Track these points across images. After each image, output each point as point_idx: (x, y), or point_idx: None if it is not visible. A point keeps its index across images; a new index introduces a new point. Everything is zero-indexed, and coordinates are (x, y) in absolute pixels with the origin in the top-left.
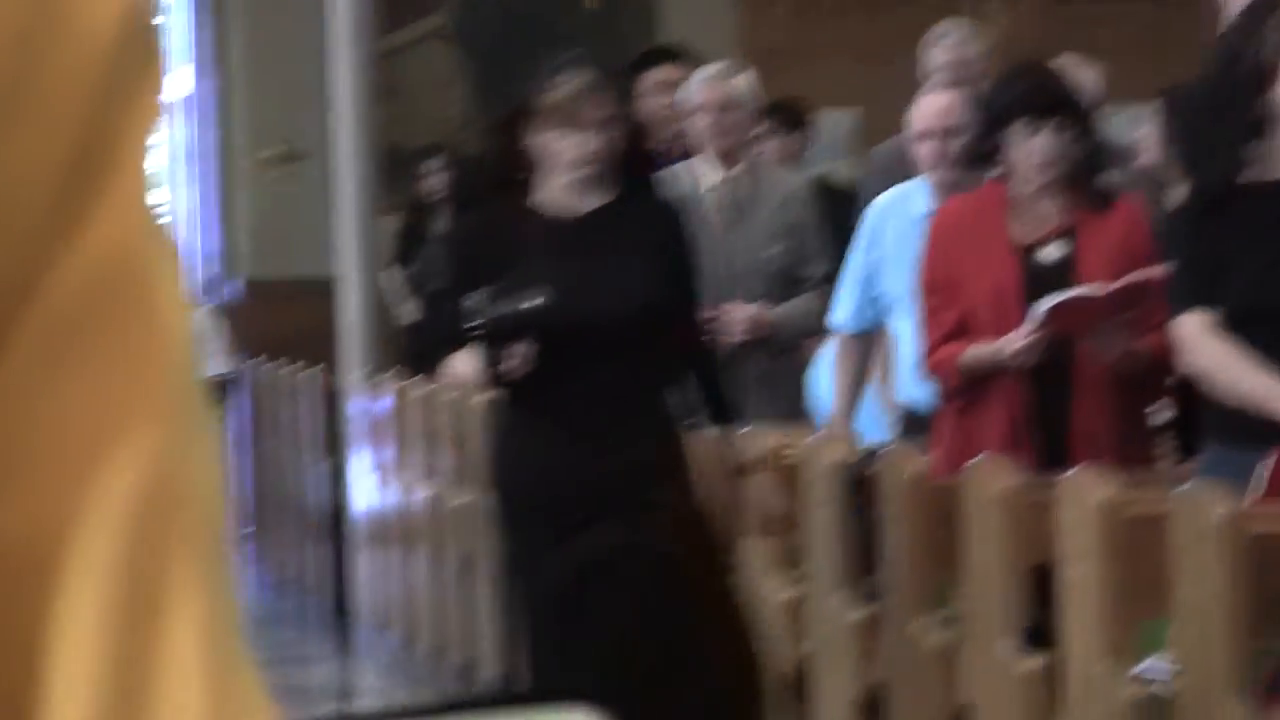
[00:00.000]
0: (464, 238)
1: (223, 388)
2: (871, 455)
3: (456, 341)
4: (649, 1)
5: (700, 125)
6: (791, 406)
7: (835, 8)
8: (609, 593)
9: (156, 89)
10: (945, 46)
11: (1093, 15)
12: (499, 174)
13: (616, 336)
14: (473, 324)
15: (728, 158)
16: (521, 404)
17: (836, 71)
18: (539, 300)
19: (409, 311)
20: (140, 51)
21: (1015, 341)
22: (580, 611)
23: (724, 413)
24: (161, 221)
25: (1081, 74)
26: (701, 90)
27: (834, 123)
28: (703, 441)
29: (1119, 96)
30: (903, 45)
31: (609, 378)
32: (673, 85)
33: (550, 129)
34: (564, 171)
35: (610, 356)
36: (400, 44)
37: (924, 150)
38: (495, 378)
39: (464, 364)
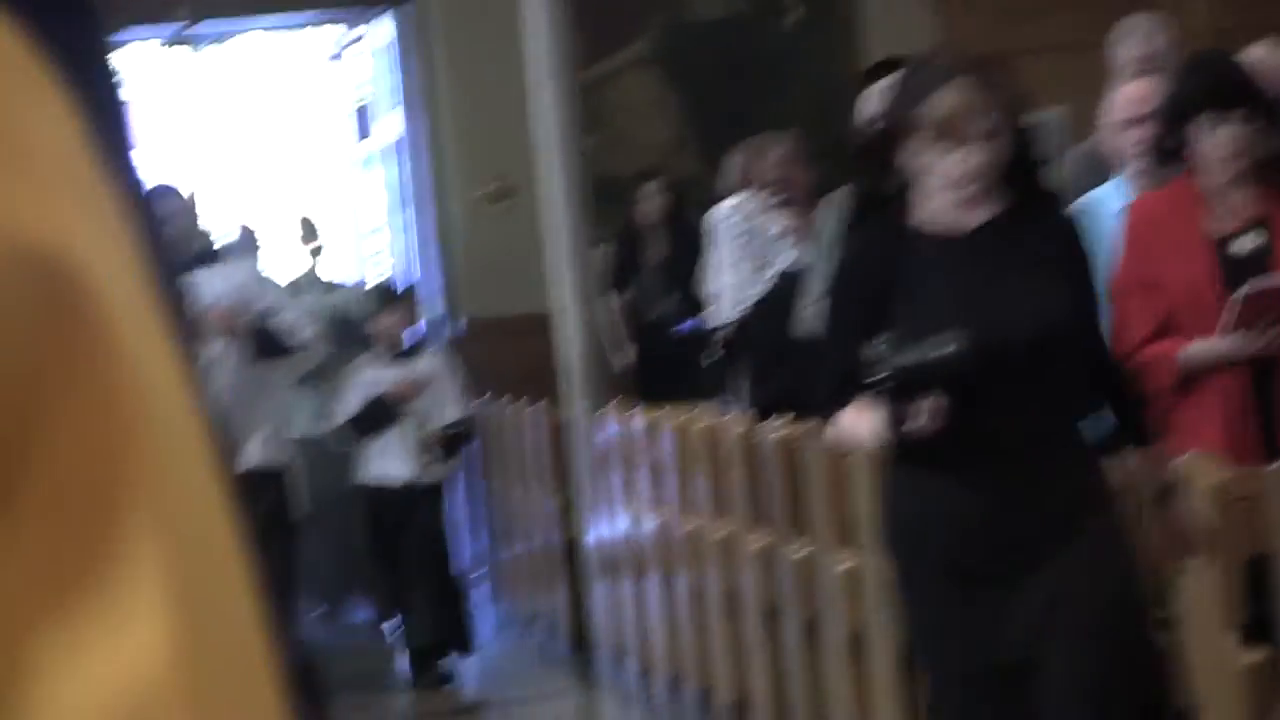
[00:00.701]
0: (848, 268)
1: (458, 434)
2: None
3: (849, 393)
4: (850, 13)
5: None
6: None
7: (1034, 8)
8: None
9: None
10: (1134, 41)
11: None
12: (876, 196)
13: (1032, 366)
14: (875, 376)
15: None
16: (922, 455)
17: (1040, 72)
18: (952, 347)
19: (623, 343)
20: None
21: (1229, 337)
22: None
23: (1145, 434)
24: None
25: (1274, 59)
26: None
27: (1041, 123)
28: (1125, 469)
29: None
30: (1104, 41)
31: (1024, 413)
32: None
33: (931, 145)
34: (948, 189)
35: (1025, 389)
36: (605, 74)
37: (1125, 139)
38: (901, 436)
39: (859, 419)
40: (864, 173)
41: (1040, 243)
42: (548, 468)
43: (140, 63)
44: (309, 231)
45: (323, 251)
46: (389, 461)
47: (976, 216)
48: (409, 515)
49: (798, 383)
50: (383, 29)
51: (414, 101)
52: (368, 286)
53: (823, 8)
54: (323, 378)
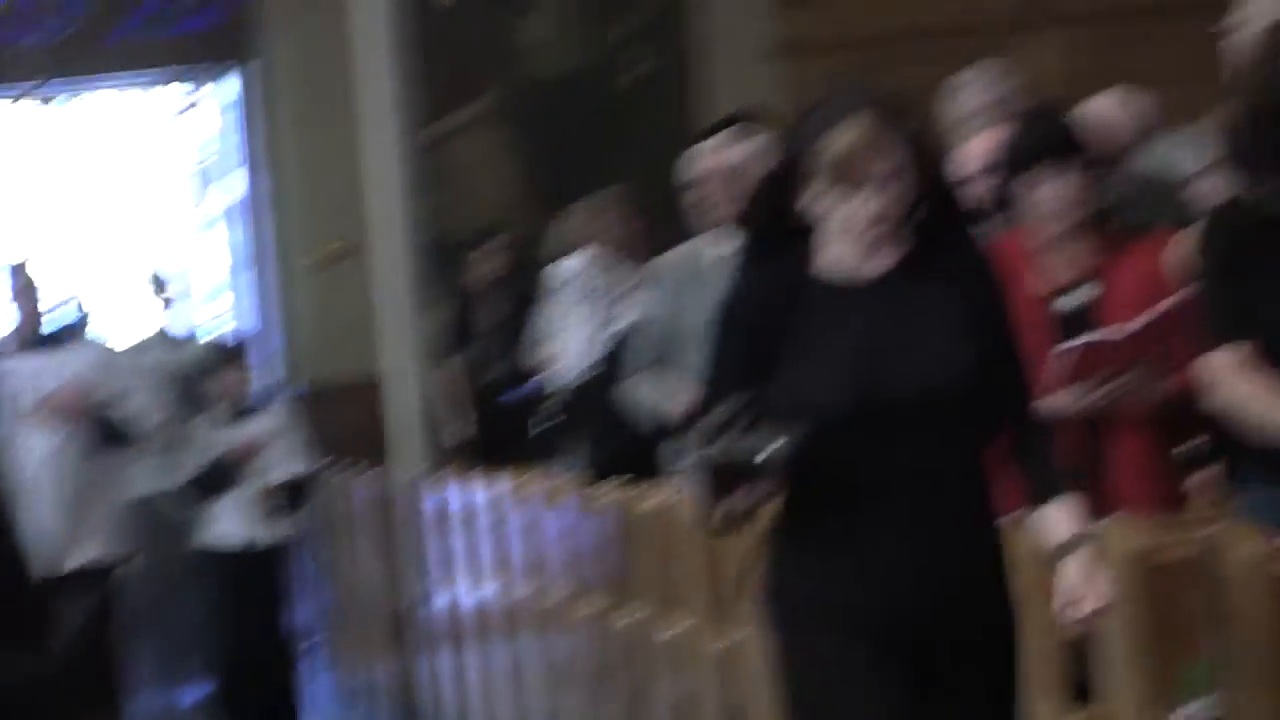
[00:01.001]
0: (733, 315)
1: (300, 488)
2: None
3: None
4: (693, 70)
5: (700, 197)
6: None
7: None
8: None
9: None
10: (975, 90)
11: (1154, 37)
12: (769, 242)
13: (926, 419)
14: (690, 462)
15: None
16: (811, 512)
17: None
18: (775, 446)
19: (463, 410)
20: None
21: (1059, 393)
22: None
23: (1046, 491)
24: None
25: (1123, 107)
26: (699, 163)
27: None
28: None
29: (1180, 121)
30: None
31: (921, 466)
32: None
33: (828, 188)
34: (847, 235)
35: (919, 440)
36: (446, 131)
37: (981, 190)
38: (718, 516)
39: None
40: (758, 216)
41: (946, 290)
42: (378, 534)
43: None
44: (158, 285)
45: (173, 305)
46: (228, 522)
47: (878, 264)
48: (249, 577)
49: (635, 445)
50: (227, 88)
51: (257, 161)
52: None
53: (665, 65)
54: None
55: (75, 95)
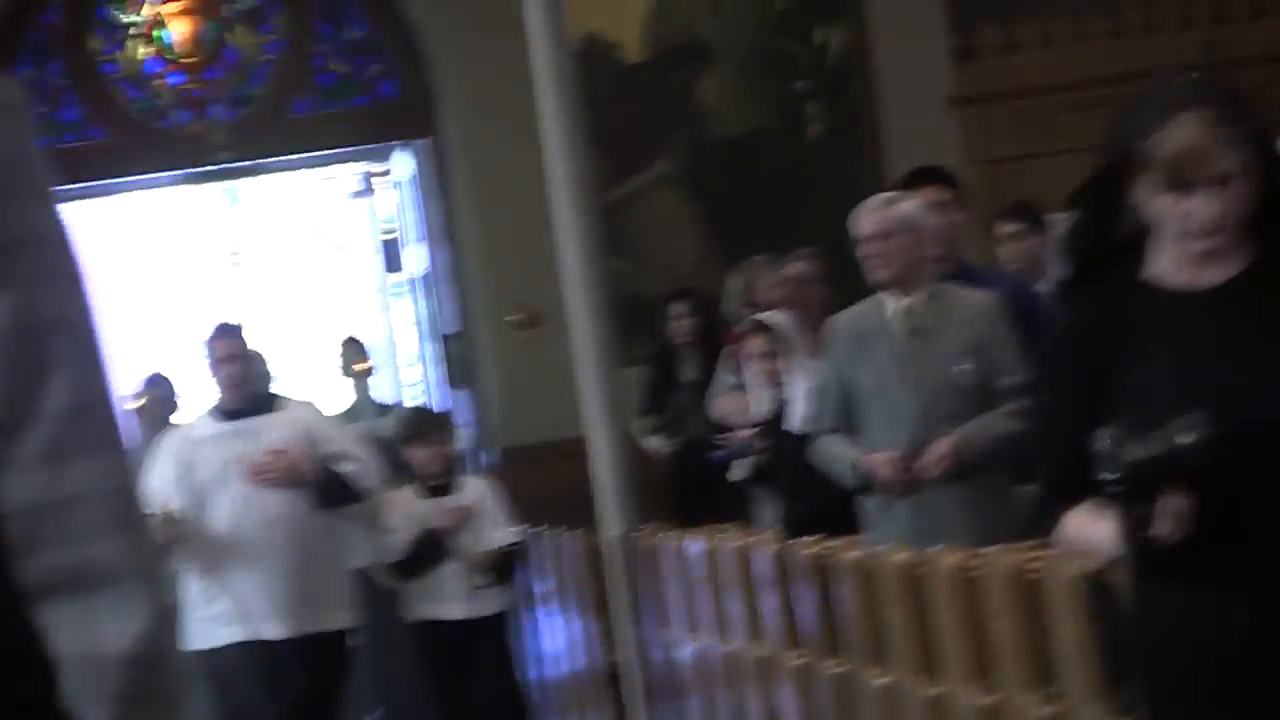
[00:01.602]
0: (1069, 336)
1: (511, 557)
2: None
3: (1074, 490)
4: (872, 124)
5: (868, 254)
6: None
7: (1049, 111)
8: None
9: None
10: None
11: None
12: (1101, 247)
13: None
14: (1105, 476)
15: (900, 285)
16: (1168, 564)
17: (1065, 172)
18: (1195, 435)
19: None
20: None
21: None
22: None
23: None
24: None
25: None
26: (860, 222)
27: (1067, 223)
28: None
29: None
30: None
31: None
32: (943, 205)
33: (1161, 189)
34: (1182, 241)
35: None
36: (629, 194)
37: None
38: (1141, 545)
39: (1091, 524)
40: (1087, 219)
41: None
42: (589, 592)
43: (162, 206)
44: (357, 352)
45: (373, 373)
46: (441, 598)
47: (1219, 273)
48: (471, 652)
49: (831, 501)
50: (404, 164)
51: (437, 234)
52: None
53: (845, 119)
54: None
55: (255, 173)
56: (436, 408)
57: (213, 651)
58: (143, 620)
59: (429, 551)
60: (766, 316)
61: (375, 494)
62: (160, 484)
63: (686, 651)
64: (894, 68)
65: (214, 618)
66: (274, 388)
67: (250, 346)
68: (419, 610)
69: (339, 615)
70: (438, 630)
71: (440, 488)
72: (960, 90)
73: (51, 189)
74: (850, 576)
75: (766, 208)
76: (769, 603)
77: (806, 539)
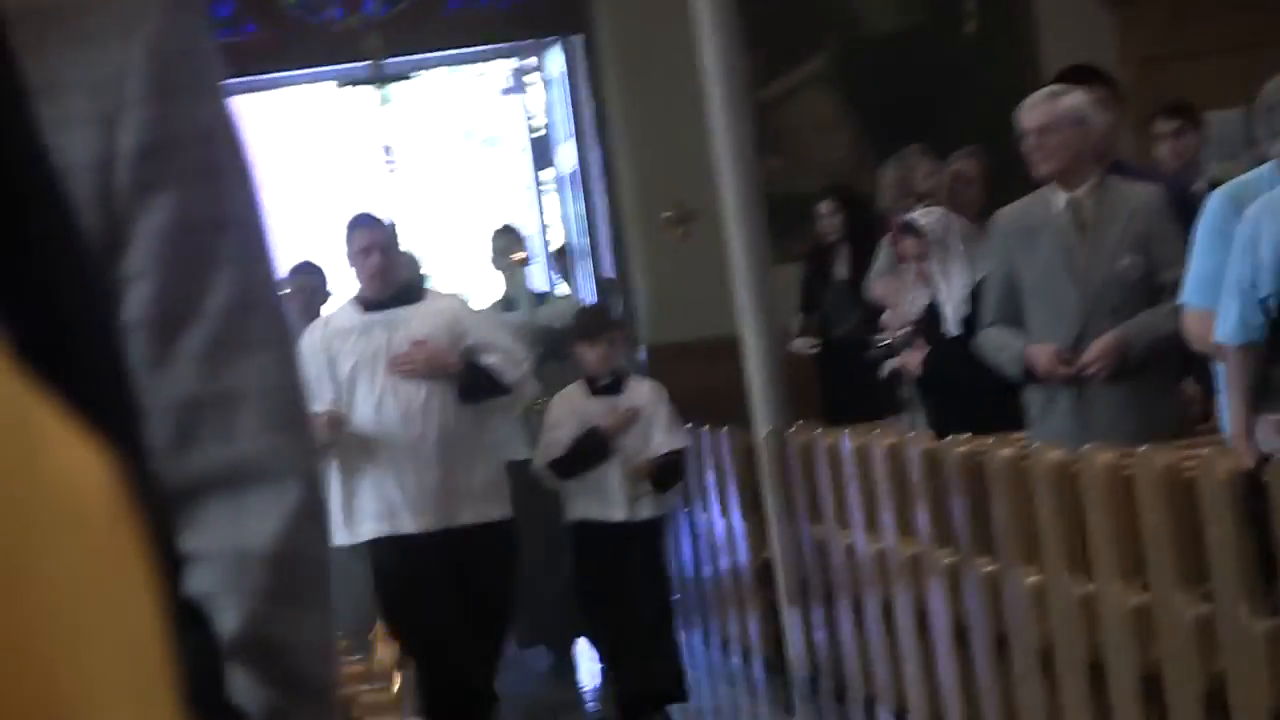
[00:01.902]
0: None
1: (675, 464)
2: (1267, 462)
3: None
4: (1026, 21)
5: (1029, 150)
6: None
7: (1208, 10)
8: None
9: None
10: None
11: None
12: None
13: None
14: None
15: (1065, 179)
16: None
17: (1216, 73)
18: None
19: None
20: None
21: None
22: None
23: None
24: None
25: None
26: (1024, 116)
27: (1222, 123)
28: None
29: None
30: (1278, 41)
31: None
32: (1098, 103)
33: None
34: None
35: None
36: (781, 92)
37: None
38: None
39: None
40: None
41: None
42: (744, 488)
43: (315, 103)
44: (513, 242)
45: (529, 263)
46: (603, 500)
47: None
48: (626, 555)
49: (980, 399)
50: (555, 61)
51: (588, 131)
52: (578, 303)
53: (998, 17)
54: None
55: (407, 71)
56: (611, 304)
57: (358, 547)
58: (291, 518)
59: (591, 452)
60: (917, 216)
61: (521, 386)
62: (308, 377)
63: (838, 549)
64: None
65: (360, 511)
66: (421, 279)
67: (392, 237)
68: (578, 510)
69: (487, 508)
70: (595, 531)
71: (607, 387)
72: None
73: (220, 84)
74: (1003, 475)
75: (920, 106)
76: (920, 501)
77: (959, 437)
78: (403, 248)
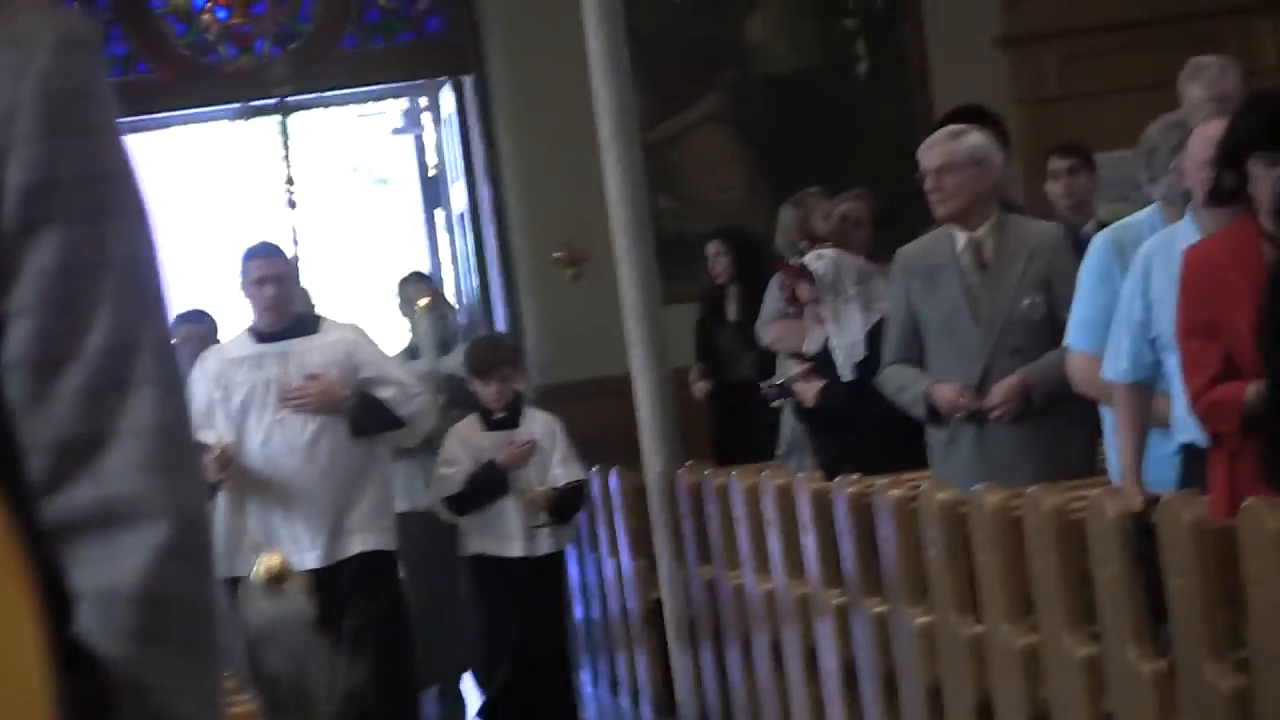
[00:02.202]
0: None
1: (574, 495)
2: (1156, 503)
3: None
4: (918, 62)
5: (929, 190)
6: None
7: (1101, 51)
8: None
9: None
10: (1203, 81)
11: None
12: None
13: None
14: None
15: (964, 219)
16: None
17: (1110, 114)
18: None
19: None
20: None
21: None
22: None
23: None
24: None
25: None
26: (924, 156)
27: (1113, 165)
28: None
29: None
30: (1171, 80)
31: None
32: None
33: None
34: None
35: None
36: (673, 132)
37: (1199, 179)
38: None
39: None
40: None
41: None
42: (634, 528)
43: (208, 142)
44: (422, 289)
45: (439, 306)
46: (500, 535)
47: None
48: (524, 590)
49: (868, 440)
50: (446, 100)
51: (478, 171)
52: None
53: (891, 58)
54: (423, 444)
55: (300, 109)
56: (511, 339)
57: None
58: (160, 558)
59: (488, 486)
60: (810, 259)
61: (416, 419)
62: (198, 408)
63: (726, 589)
64: (942, 6)
65: (246, 547)
66: (314, 312)
67: (289, 268)
68: (474, 545)
69: (371, 538)
70: (493, 566)
71: (503, 420)
72: (1009, 30)
73: (113, 124)
74: (892, 515)
75: (813, 146)
76: (809, 541)
77: (849, 477)
78: (300, 281)
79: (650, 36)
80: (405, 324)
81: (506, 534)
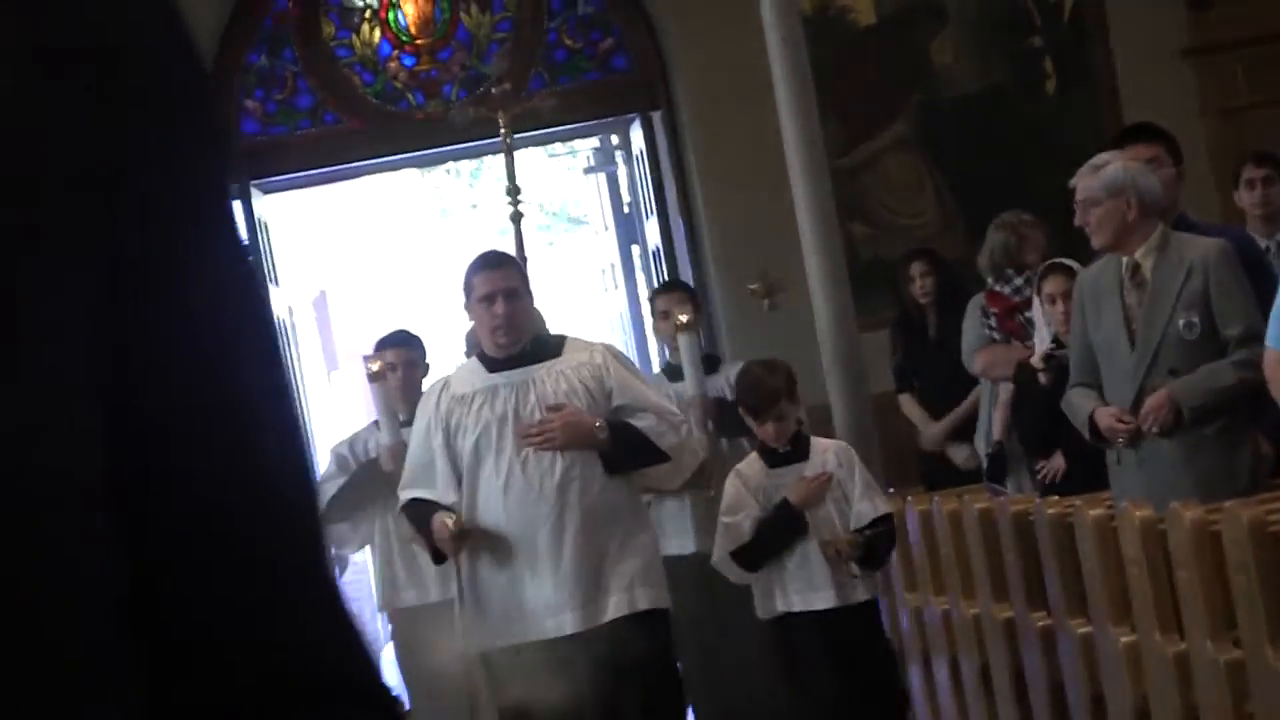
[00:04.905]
0: None
1: (883, 532)
2: None
3: None
4: (1106, 77)
5: (1082, 223)
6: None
7: None
8: None
9: None
10: None
11: None
12: None
13: None
14: None
15: (1119, 246)
16: None
17: None
18: None
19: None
20: None
21: None
22: None
23: None
24: None
25: None
26: (1076, 190)
27: None
28: None
29: None
30: None
31: None
32: (1154, 160)
33: None
34: None
35: None
36: (863, 158)
37: None
38: None
39: None
40: None
41: None
42: None
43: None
44: (680, 296)
45: (695, 327)
46: (806, 585)
47: None
48: (845, 648)
49: (1072, 461)
50: (636, 137)
51: (673, 206)
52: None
53: (1078, 74)
54: (700, 482)
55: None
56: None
57: (486, 655)
58: None
59: (781, 532)
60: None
61: (683, 452)
62: (416, 458)
63: (935, 614)
64: (1127, 20)
65: (490, 615)
66: (553, 333)
67: (523, 280)
68: (776, 604)
69: (636, 597)
70: (802, 624)
71: (788, 455)
72: (1194, 40)
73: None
74: (1092, 535)
75: (1004, 166)
76: (1012, 563)
77: (1051, 499)
78: (535, 297)
79: (835, 63)
80: (662, 341)
81: (812, 584)
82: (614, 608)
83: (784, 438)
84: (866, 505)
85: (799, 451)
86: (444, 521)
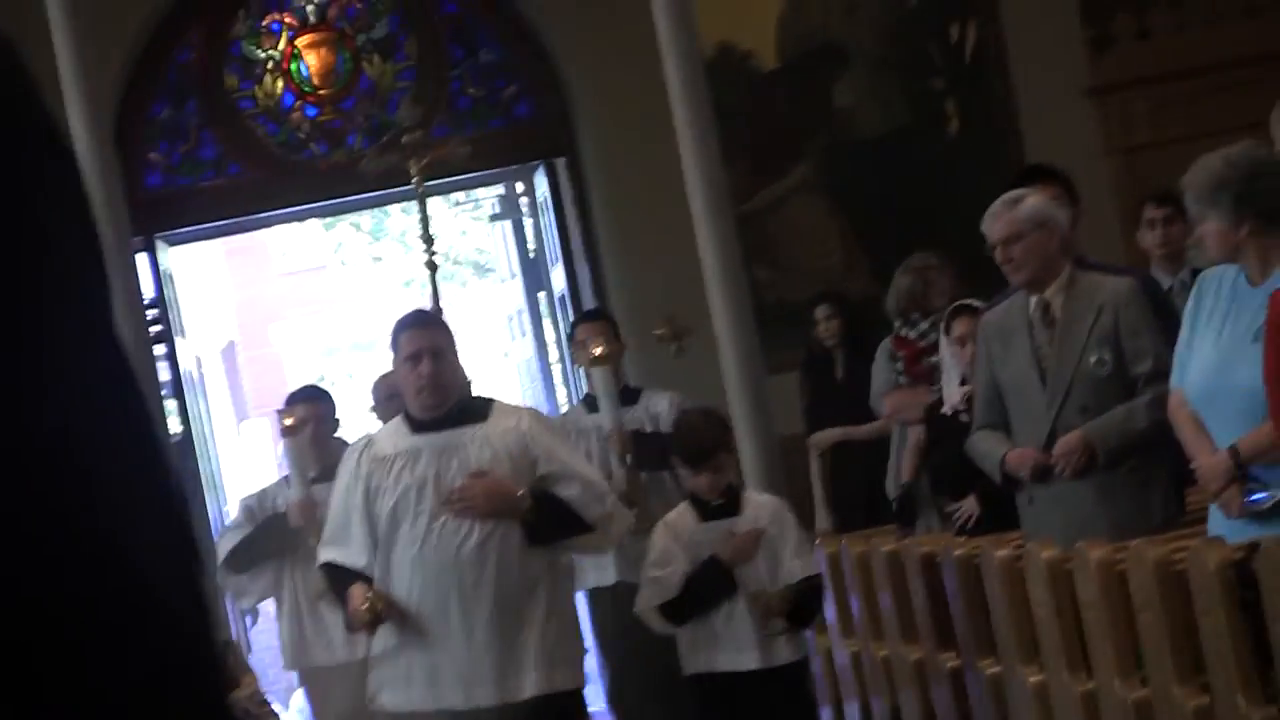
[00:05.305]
0: None
1: (813, 589)
2: (1255, 550)
3: None
4: (1008, 119)
5: (1000, 261)
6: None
7: (1190, 96)
8: None
9: None
10: None
11: None
12: None
13: None
14: None
15: (1040, 283)
16: None
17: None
18: None
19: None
20: None
21: None
22: None
23: None
24: None
25: None
26: (989, 228)
27: None
28: None
29: None
30: (1261, 124)
31: None
32: (1057, 200)
33: None
34: None
35: None
36: (767, 202)
37: None
38: None
39: None
40: None
41: None
42: None
43: (305, 237)
44: (597, 327)
45: (615, 357)
46: (730, 646)
47: None
48: (764, 710)
49: (985, 505)
50: (540, 184)
51: (576, 252)
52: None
53: (981, 115)
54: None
55: (394, 201)
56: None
57: (398, 715)
58: None
59: (710, 588)
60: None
61: (608, 522)
62: (335, 519)
63: (842, 654)
64: (1029, 60)
65: (400, 677)
66: (479, 396)
67: (448, 340)
68: (699, 661)
69: (553, 676)
70: (723, 684)
71: (721, 509)
72: (1096, 80)
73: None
74: (999, 575)
75: (908, 208)
76: (924, 603)
77: (957, 539)
78: (461, 357)
79: (739, 108)
80: (579, 372)
81: (737, 644)
82: (532, 686)
83: (717, 490)
84: (798, 564)
85: (731, 505)
86: (359, 606)
